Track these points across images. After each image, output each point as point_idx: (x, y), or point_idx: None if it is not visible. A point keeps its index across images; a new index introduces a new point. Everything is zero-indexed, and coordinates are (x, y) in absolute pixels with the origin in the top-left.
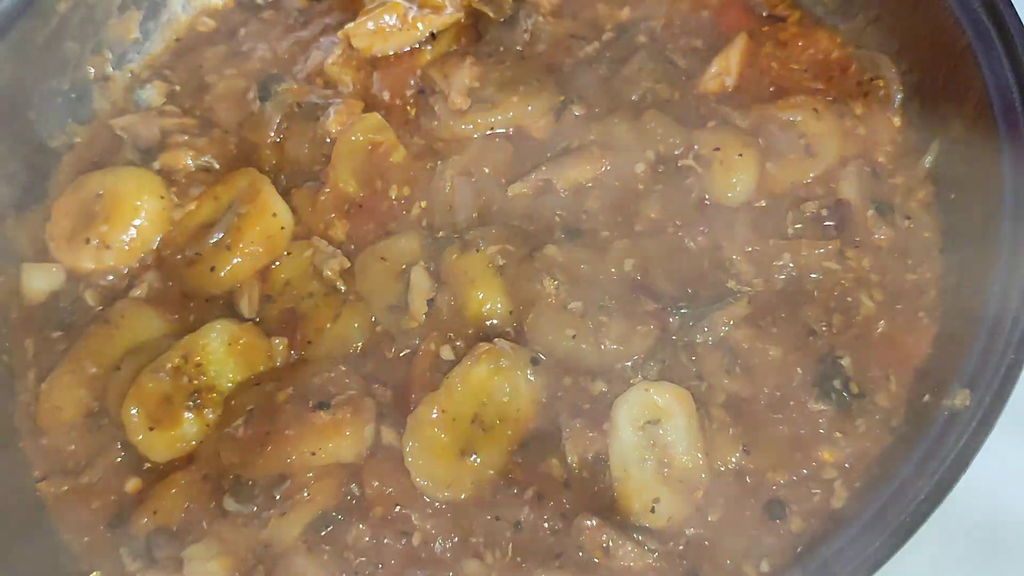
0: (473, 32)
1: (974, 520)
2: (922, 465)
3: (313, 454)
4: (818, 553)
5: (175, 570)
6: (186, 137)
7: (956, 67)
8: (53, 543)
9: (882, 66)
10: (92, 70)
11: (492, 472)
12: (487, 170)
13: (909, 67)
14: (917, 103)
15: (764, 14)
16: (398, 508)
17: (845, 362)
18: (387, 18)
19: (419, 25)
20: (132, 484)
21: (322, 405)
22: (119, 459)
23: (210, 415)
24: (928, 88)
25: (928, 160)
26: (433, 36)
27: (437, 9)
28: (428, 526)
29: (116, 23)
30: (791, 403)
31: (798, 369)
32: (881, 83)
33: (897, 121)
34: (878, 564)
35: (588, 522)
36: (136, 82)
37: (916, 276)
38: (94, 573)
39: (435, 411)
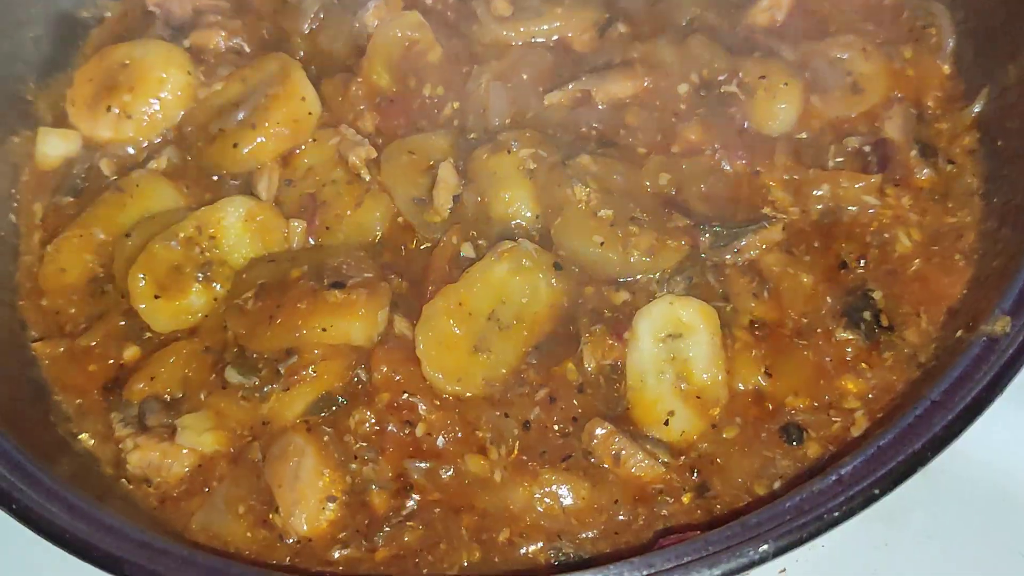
0: None
1: (982, 482)
2: (955, 387)
3: (324, 330)
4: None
5: (166, 438)
6: (219, 18)
7: (1011, 17)
8: (43, 403)
9: (936, 14)
10: None
11: (504, 370)
12: (525, 77)
13: (963, 16)
14: (969, 51)
15: None
16: (405, 396)
17: (876, 296)
18: None
19: None
20: (131, 352)
21: (337, 284)
22: (120, 325)
23: (219, 289)
24: (981, 37)
25: (976, 108)
26: None
27: None
28: (434, 417)
29: None
30: (818, 330)
31: (828, 298)
32: (933, 31)
33: (947, 68)
34: (900, 480)
35: (600, 428)
36: None
37: (955, 219)
38: (82, 435)
39: (452, 303)
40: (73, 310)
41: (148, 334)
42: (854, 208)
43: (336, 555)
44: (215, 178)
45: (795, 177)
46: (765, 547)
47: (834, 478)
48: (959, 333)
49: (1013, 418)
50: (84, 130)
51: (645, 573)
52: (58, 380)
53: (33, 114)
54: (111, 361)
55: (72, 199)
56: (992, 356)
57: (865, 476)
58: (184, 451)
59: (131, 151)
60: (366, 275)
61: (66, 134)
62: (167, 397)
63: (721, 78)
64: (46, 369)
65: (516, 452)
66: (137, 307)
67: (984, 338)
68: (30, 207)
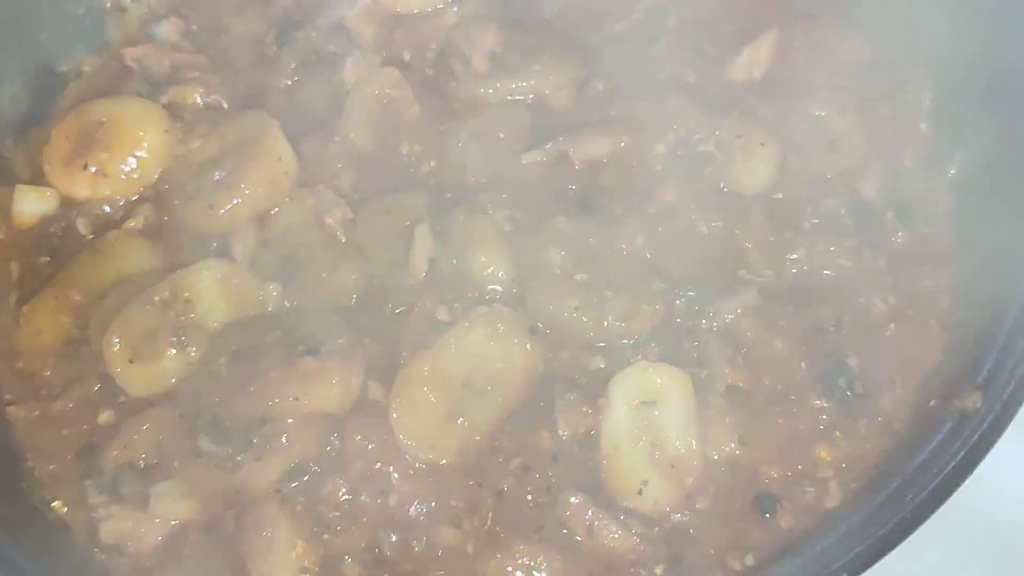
0: None
1: (986, 521)
2: (925, 466)
3: (296, 399)
4: (805, 548)
5: (140, 507)
6: (197, 74)
7: (990, 81)
8: (16, 469)
9: (914, 72)
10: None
11: (478, 438)
12: (502, 135)
13: (942, 76)
14: (947, 112)
15: (799, 9)
16: (378, 465)
17: (851, 361)
18: None
19: None
20: (105, 416)
21: (311, 351)
22: (95, 389)
23: (193, 353)
24: (959, 98)
25: (953, 170)
26: None
27: None
28: (407, 487)
29: None
30: (792, 397)
31: (802, 364)
32: (911, 88)
33: (924, 128)
34: (869, 563)
35: (574, 498)
36: (153, 16)
37: (931, 283)
38: (55, 502)
39: (426, 369)
40: (49, 373)
41: (123, 398)
42: (829, 271)
43: None
44: (192, 238)
45: (771, 239)
46: None
47: (802, 560)
48: (933, 403)
49: None
50: (61, 188)
51: None
52: (32, 445)
53: (10, 170)
54: (86, 426)
55: (49, 258)
56: (964, 433)
57: (835, 558)
58: (157, 520)
59: (108, 209)
60: (340, 341)
61: (43, 192)
62: (141, 464)
63: (698, 137)
64: (20, 434)
65: (489, 523)
66: (112, 371)
67: (956, 413)
68: (6, 266)
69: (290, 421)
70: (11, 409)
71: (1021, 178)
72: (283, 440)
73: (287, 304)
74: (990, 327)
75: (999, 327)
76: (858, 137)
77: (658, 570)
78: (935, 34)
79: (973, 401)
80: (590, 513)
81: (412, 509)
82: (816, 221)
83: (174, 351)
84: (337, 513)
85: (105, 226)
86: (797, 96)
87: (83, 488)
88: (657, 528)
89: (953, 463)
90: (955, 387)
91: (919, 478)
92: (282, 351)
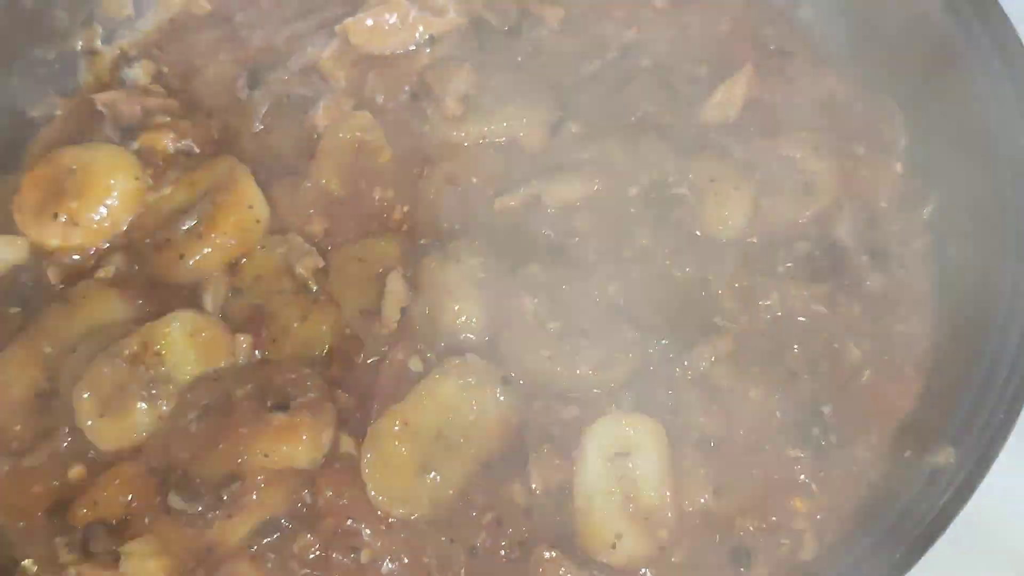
0: (474, 39)
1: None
2: (899, 522)
3: (266, 456)
4: None
5: (110, 566)
6: (168, 119)
7: (965, 118)
8: None
9: (888, 111)
10: (80, 43)
11: (451, 492)
12: (475, 180)
13: (916, 114)
14: (921, 150)
15: (772, 47)
16: (350, 522)
17: (826, 409)
18: (387, 16)
19: (419, 27)
20: (76, 471)
21: (280, 406)
22: (65, 444)
23: (164, 407)
24: (934, 138)
25: (928, 210)
26: (432, 39)
27: (439, 12)
28: (379, 543)
29: None
30: (767, 447)
31: (777, 413)
32: (886, 127)
33: (899, 167)
34: None
35: (547, 554)
36: (124, 59)
37: (906, 327)
38: (26, 561)
39: (397, 423)
40: (19, 427)
41: (93, 453)
42: (804, 317)
43: None
44: (163, 288)
45: (745, 284)
46: None
47: None
48: (907, 453)
49: None
50: (32, 237)
51: None
52: (2, 502)
53: None
54: (56, 482)
55: (18, 309)
56: (938, 487)
57: None
58: None
59: (79, 258)
60: (310, 395)
61: (13, 241)
62: (112, 521)
63: (671, 179)
64: None
65: None
66: (82, 425)
67: (928, 470)
68: None
69: (261, 477)
70: None
71: (996, 219)
72: (254, 496)
73: (258, 355)
74: (964, 375)
75: (972, 376)
76: (833, 178)
77: None
78: (909, 71)
79: (945, 456)
80: (563, 569)
81: (384, 566)
82: (790, 265)
83: (144, 405)
84: (308, 570)
85: (76, 275)
86: (771, 136)
87: (53, 546)
88: None
89: (928, 518)
90: (928, 439)
91: (894, 534)
92: (252, 406)
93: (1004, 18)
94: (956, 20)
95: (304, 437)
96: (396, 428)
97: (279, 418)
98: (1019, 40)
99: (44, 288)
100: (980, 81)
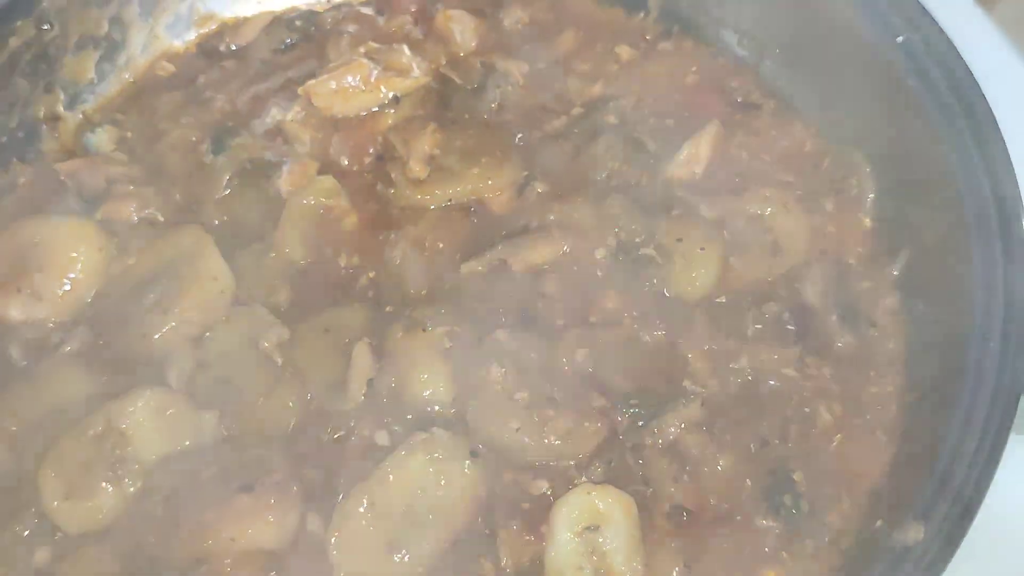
0: (439, 98)
1: None
2: None
3: (232, 540)
4: None
5: None
6: (131, 187)
7: (932, 173)
8: None
9: (856, 163)
10: (42, 109)
11: (421, 570)
12: (441, 244)
13: (884, 168)
14: (890, 206)
15: (739, 100)
16: None
17: (797, 476)
18: (350, 78)
19: (383, 88)
20: (42, 555)
21: (245, 488)
22: (32, 526)
23: (130, 488)
24: (902, 192)
25: (897, 267)
26: (397, 100)
27: (403, 72)
28: None
29: (71, 62)
30: (738, 517)
31: (748, 481)
32: (855, 181)
33: (868, 222)
34: None
35: None
36: (87, 125)
37: (877, 389)
38: None
39: (363, 503)
40: None
41: (59, 535)
42: (774, 381)
43: None
44: (127, 363)
45: (714, 347)
46: None
47: None
48: (879, 523)
49: None
50: None
51: None
52: None
53: None
54: (21, 566)
55: None
56: (908, 562)
57: None
58: None
59: (43, 333)
60: (276, 475)
61: None
62: None
63: (639, 240)
64: None
65: None
66: (48, 507)
67: (897, 546)
68: None
69: (228, 560)
70: None
71: (964, 276)
72: None
73: (224, 433)
74: (934, 443)
75: (943, 446)
76: (801, 235)
77: None
78: (875, 124)
79: (914, 533)
80: None
81: None
82: (759, 327)
83: (110, 486)
84: None
85: (40, 351)
86: (738, 193)
87: None
88: None
89: None
90: (900, 509)
91: None
92: (217, 488)
93: (969, 75)
94: (922, 79)
95: (270, 519)
96: (362, 508)
97: (244, 500)
98: (983, 97)
99: (7, 364)
100: (945, 136)
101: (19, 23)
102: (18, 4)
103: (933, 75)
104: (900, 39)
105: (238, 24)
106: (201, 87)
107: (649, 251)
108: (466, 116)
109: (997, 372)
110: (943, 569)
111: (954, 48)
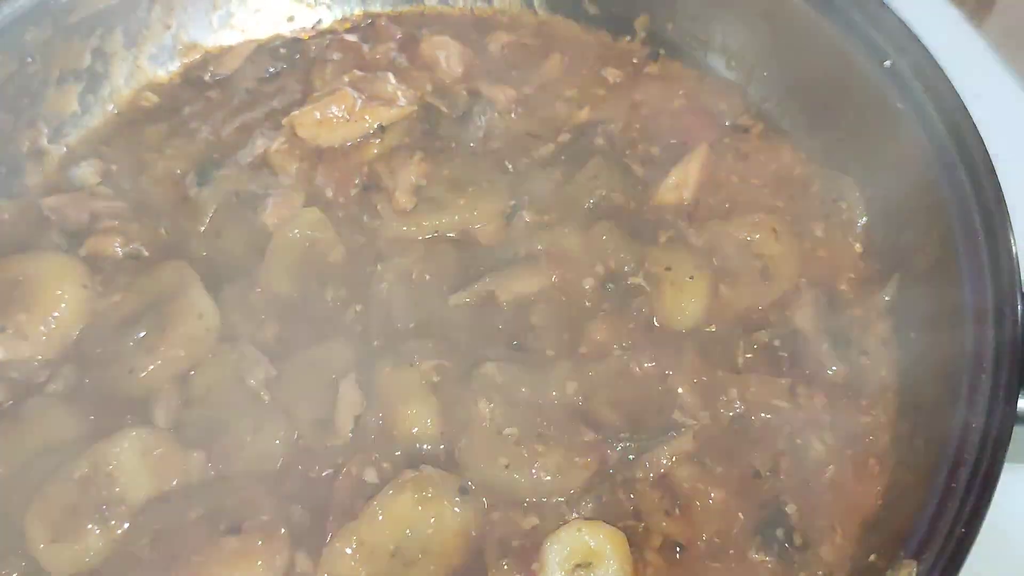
0: (424, 127)
1: None
2: None
3: None
4: None
5: None
6: (116, 222)
7: (920, 199)
8: None
9: (845, 187)
10: (26, 144)
11: None
12: (428, 276)
13: (873, 192)
14: (880, 230)
15: (727, 123)
16: None
17: (790, 509)
18: (334, 108)
19: (367, 117)
20: None
21: (233, 529)
22: (19, 569)
23: (118, 530)
24: (892, 216)
25: (888, 293)
26: (382, 129)
27: (388, 102)
28: None
29: (54, 95)
30: (730, 551)
31: (740, 514)
32: (844, 205)
33: (858, 247)
34: None
35: None
36: (72, 158)
37: (870, 418)
38: None
39: (352, 543)
40: None
41: None
42: (765, 413)
43: None
44: (113, 402)
45: (704, 379)
46: None
47: None
48: (872, 557)
49: None
50: None
51: None
52: None
53: None
54: None
55: None
56: None
57: None
58: None
59: (28, 372)
60: (263, 516)
61: None
62: None
63: (627, 268)
64: None
65: None
66: (34, 550)
67: None
68: None
69: None
70: None
71: (955, 302)
72: None
73: (211, 472)
74: (927, 476)
75: (934, 480)
76: (791, 261)
77: None
78: (864, 147)
79: (907, 572)
80: None
81: None
82: (750, 356)
83: (97, 528)
84: None
85: (25, 391)
86: (727, 218)
87: None
88: None
89: None
90: (893, 544)
91: None
92: (205, 530)
93: (958, 100)
94: (910, 102)
95: (258, 562)
96: (351, 548)
97: (232, 543)
98: (971, 120)
99: None
100: (934, 160)
101: (0, 57)
102: None
103: (921, 99)
104: (888, 63)
105: (222, 53)
106: (186, 118)
107: (638, 280)
108: (452, 145)
109: (990, 401)
110: None
111: (942, 71)
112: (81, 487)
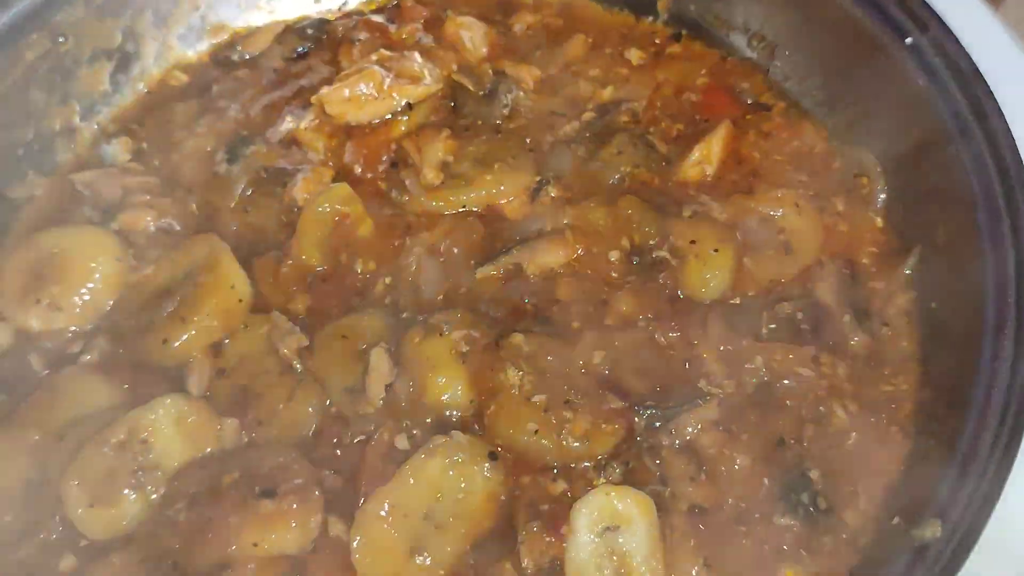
0: (451, 105)
1: None
2: None
3: (256, 544)
4: None
5: None
6: (148, 197)
7: (942, 172)
8: None
9: (866, 163)
10: (58, 121)
11: (442, 573)
12: (456, 250)
13: (894, 167)
14: (901, 205)
15: (749, 101)
16: None
17: (814, 475)
18: (363, 86)
19: (395, 95)
20: (67, 563)
21: (267, 493)
22: (56, 534)
23: (153, 495)
24: (913, 191)
25: (909, 266)
26: (410, 107)
27: (415, 79)
28: None
29: (85, 74)
30: (756, 515)
31: (765, 480)
32: (865, 181)
33: (879, 222)
34: None
35: None
36: (102, 136)
37: (892, 387)
38: None
39: (385, 506)
40: (8, 517)
41: (84, 543)
42: (789, 381)
43: None
44: (147, 372)
45: (729, 348)
46: None
47: None
48: (896, 520)
49: None
50: (15, 321)
51: None
52: None
53: None
54: (48, 573)
55: (4, 396)
56: (923, 564)
57: None
58: None
59: (63, 342)
60: (297, 480)
61: None
62: None
63: (652, 242)
64: None
65: None
66: (72, 515)
67: (916, 543)
68: None
69: (251, 565)
70: None
71: (976, 274)
72: None
73: (245, 439)
74: (949, 440)
75: (958, 442)
76: (813, 235)
77: None
78: (886, 124)
79: (932, 531)
80: None
81: None
82: (773, 327)
83: (133, 493)
84: None
85: (60, 360)
86: (751, 193)
87: None
88: None
89: None
90: (916, 508)
91: None
92: (239, 493)
93: (978, 73)
94: (931, 78)
95: (292, 524)
96: (384, 511)
97: (267, 506)
98: (992, 95)
99: (29, 375)
100: (955, 135)
101: (34, 36)
102: (33, 17)
103: (942, 75)
104: (909, 40)
105: (249, 34)
106: (215, 97)
107: (663, 253)
108: (478, 122)
109: (1012, 368)
110: (962, 565)
111: (962, 48)
112: (117, 453)
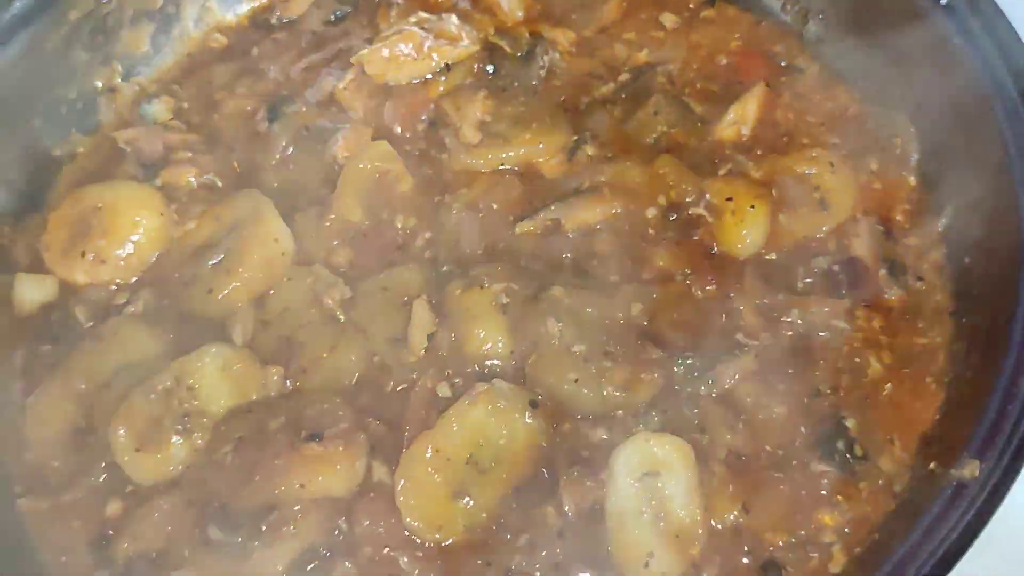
0: (488, 66)
1: None
2: (926, 537)
3: (302, 486)
4: None
5: None
6: (190, 154)
7: (977, 132)
8: (30, 565)
9: (900, 125)
10: (100, 81)
11: (485, 516)
12: (495, 206)
13: (928, 127)
14: (934, 164)
15: (783, 64)
16: (387, 549)
17: (850, 423)
18: (402, 47)
19: (434, 56)
20: (114, 506)
21: (314, 436)
22: (103, 479)
23: (199, 440)
24: (946, 150)
25: (943, 223)
26: (448, 68)
27: (453, 41)
28: (416, 570)
29: (127, 35)
30: (793, 462)
31: (802, 428)
32: (898, 141)
33: (913, 181)
34: None
35: (582, 575)
36: (143, 96)
37: (926, 340)
38: None
39: (429, 450)
40: (57, 463)
41: (131, 487)
42: (825, 333)
43: None
44: (192, 323)
45: (765, 301)
46: None
47: None
48: (932, 465)
49: None
50: (60, 275)
51: None
52: (44, 538)
53: (9, 258)
54: (95, 517)
55: (51, 346)
56: (964, 500)
57: None
58: None
59: (107, 295)
60: (343, 425)
61: (42, 280)
62: (152, 554)
63: (688, 200)
64: (32, 527)
65: None
66: (119, 460)
67: (954, 483)
68: (10, 355)
69: (297, 507)
70: (21, 502)
71: (1009, 229)
72: (291, 527)
73: (289, 387)
74: (984, 387)
75: (993, 388)
76: (848, 193)
77: None
78: (919, 84)
79: (971, 470)
80: None
81: None
82: (809, 281)
83: (179, 439)
84: None
85: (105, 312)
86: (785, 153)
87: None
88: None
89: (955, 532)
90: (953, 452)
91: (922, 548)
92: (286, 437)
93: (1015, 35)
94: (967, 38)
95: (338, 466)
96: (428, 455)
97: (313, 448)
98: None
99: (75, 326)
100: (991, 94)
101: None
102: None
103: (978, 34)
104: (944, 0)
105: None
106: (255, 59)
107: (699, 210)
108: (515, 83)
109: None
110: (1001, 501)
111: (998, 7)
112: (164, 400)
